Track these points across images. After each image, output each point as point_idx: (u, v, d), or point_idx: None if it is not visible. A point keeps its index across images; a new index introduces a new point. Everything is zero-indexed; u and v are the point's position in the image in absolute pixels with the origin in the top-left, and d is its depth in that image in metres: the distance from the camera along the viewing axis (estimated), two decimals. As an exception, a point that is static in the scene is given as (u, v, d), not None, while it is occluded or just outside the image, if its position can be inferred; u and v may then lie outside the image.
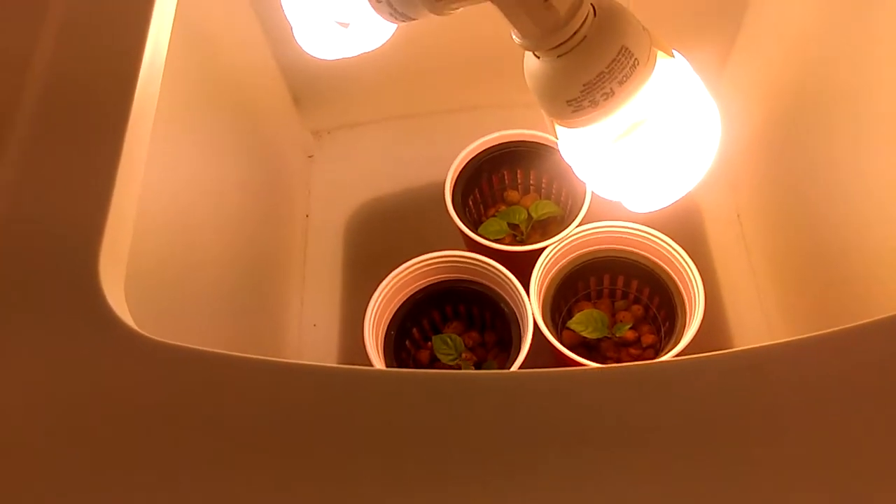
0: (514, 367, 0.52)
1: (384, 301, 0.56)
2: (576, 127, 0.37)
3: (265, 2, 0.66)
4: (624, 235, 0.58)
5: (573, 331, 0.58)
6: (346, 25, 0.40)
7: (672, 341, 0.56)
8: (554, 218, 0.63)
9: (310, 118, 0.78)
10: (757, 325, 0.66)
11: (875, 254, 0.50)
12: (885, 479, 0.26)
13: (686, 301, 0.56)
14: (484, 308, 0.59)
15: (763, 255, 0.68)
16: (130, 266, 0.43)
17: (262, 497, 0.27)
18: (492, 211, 0.65)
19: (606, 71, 0.35)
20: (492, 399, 0.26)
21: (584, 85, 0.35)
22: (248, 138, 0.69)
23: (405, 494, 0.26)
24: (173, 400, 0.28)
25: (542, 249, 0.57)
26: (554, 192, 0.64)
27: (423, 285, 0.58)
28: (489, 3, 0.34)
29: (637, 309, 0.61)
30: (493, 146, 0.63)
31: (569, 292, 0.60)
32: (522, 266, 0.57)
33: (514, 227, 0.63)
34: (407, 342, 0.59)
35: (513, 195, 0.66)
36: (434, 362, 0.59)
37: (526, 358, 0.53)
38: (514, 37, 0.36)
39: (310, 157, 0.78)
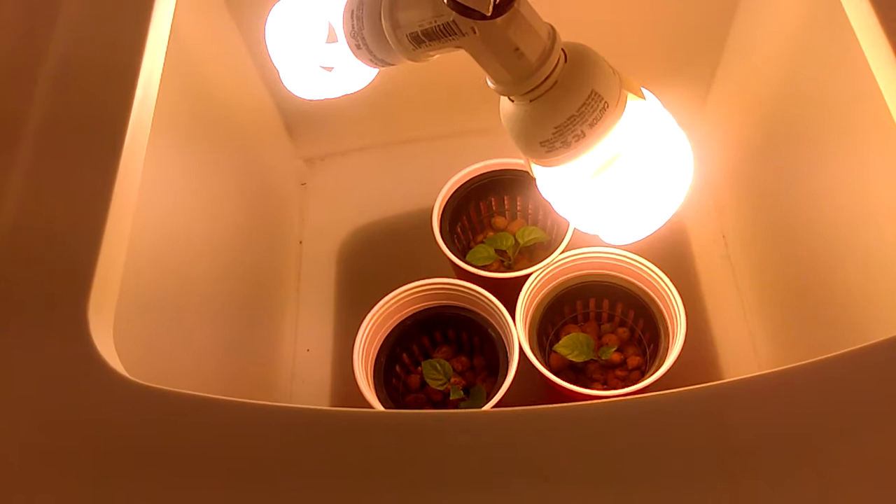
0: (501, 392, 0.53)
1: (374, 328, 0.58)
2: (550, 166, 0.39)
3: (257, 35, 0.68)
4: (607, 260, 0.59)
5: (560, 354, 0.59)
6: (329, 69, 0.42)
7: (657, 363, 0.57)
8: (541, 244, 0.64)
9: (303, 146, 0.79)
10: (742, 345, 0.68)
11: (859, 272, 0.52)
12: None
13: (669, 323, 0.58)
14: (472, 333, 0.60)
15: (748, 274, 0.70)
16: (124, 294, 0.44)
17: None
18: (480, 237, 0.67)
19: (577, 114, 0.36)
20: (460, 437, 0.27)
21: (555, 128, 0.36)
22: (242, 167, 0.70)
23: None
24: (158, 443, 0.29)
25: (528, 276, 0.58)
26: (540, 218, 0.66)
27: (412, 312, 0.59)
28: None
29: (623, 331, 0.62)
30: (479, 175, 0.64)
31: (556, 316, 0.62)
32: (509, 291, 0.58)
33: (501, 253, 0.64)
34: (397, 367, 0.60)
35: (500, 221, 0.67)
36: (424, 387, 0.60)
37: (513, 382, 0.54)
38: (488, 82, 0.37)
39: (303, 184, 0.80)
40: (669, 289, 0.57)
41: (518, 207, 0.67)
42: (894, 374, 0.30)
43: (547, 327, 0.61)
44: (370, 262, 0.75)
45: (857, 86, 0.48)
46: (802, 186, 0.59)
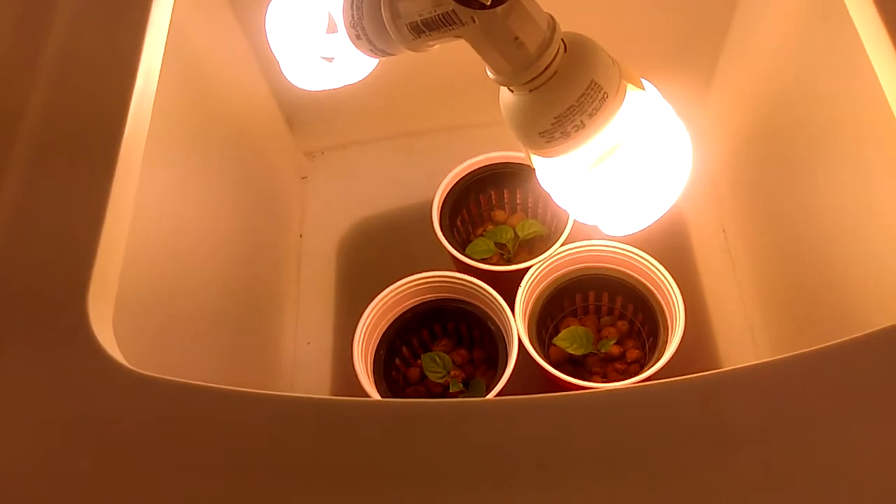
0: (500, 385, 0.53)
1: (373, 321, 0.58)
2: (550, 157, 0.39)
3: (257, 28, 0.68)
4: (607, 254, 0.59)
5: (560, 347, 0.59)
6: (330, 60, 0.42)
7: (656, 356, 0.57)
8: (540, 237, 0.64)
9: (303, 140, 0.79)
10: (742, 338, 0.68)
11: (858, 264, 0.52)
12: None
13: (668, 316, 0.58)
14: (472, 326, 0.60)
15: (748, 267, 0.70)
16: (124, 287, 0.44)
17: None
18: (480, 230, 0.67)
19: (576, 104, 0.36)
20: (456, 426, 0.27)
21: (554, 118, 0.36)
22: (242, 161, 0.70)
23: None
24: (163, 433, 0.29)
25: (528, 269, 0.58)
26: (540, 211, 0.66)
27: (411, 305, 0.59)
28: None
29: (622, 324, 0.62)
30: (478, 168, 0.64)
31: (555, 309, 0.62)
32: (509, 284, 0.58)
33: (501, 246, 0.64)
34: (397, 360, 0.60)
35: (500, 215, 0.67)
36: (423, 380, 0.60)
37: (512, 374, 0.54)
38: (488, 72, 0.37)
39: (303, 178, 0.80)
40: (668, 282, 0.57)
41: (518, 201, 0.67)
42: (892, 363, 0.30)
43: (546, 320, 0.61)
44: (371, 255, 0.75)
45: (859, 77, 0.48)
46: (803, 179, 0.59)
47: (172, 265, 0.56)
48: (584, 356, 0.60)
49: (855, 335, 0.32)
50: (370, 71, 0.43)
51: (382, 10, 0.36)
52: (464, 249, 0.63)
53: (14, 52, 0.43)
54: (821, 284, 0.57)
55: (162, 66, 0.47)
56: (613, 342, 0.60)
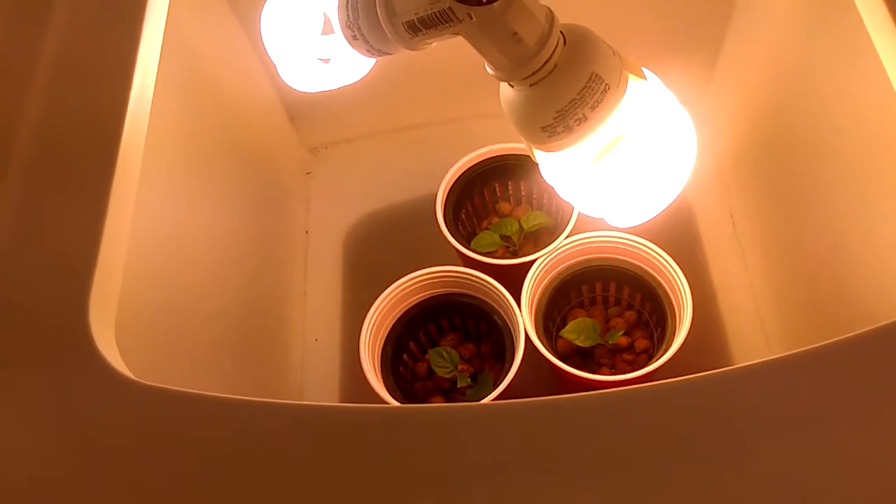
0: (508, 379, 0.53)
1: (379, 317, 0.58)
2: (553, 151, 0.39)
3: (257, 24, 0.68)
4: (612, 244, 0.59)
5: (567, 339, 0.59)
6: (326, 61, 0.42)
7: (664, 346, 0.57)
8: (546, 228, 0.64)
9: (307, 135, 0.79)
10: (752, 326, 0.67)
11: (869, 251, 0.51)
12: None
13: (676, 306, 0.57)
14: (479, 321, 0.60)
15: (757, 254, 0.69)
16: (131, 289, 0.44)
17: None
18: (485, 223, 0.66)
19: (578, 98, 0.36)
20: (460, 431, 0.27)
21: (556, 112, 0.36)
22: (245, 158, 0.70)
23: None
24: (166, 445, 0.29)
25: (534, 261, 0.58)
26: (545, 202, 0.65)
27: (417, 301, 0.59)
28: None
29: (630, 315, 0.62)
30: (482, 160, 0.64)
31: (562, 301, 0.62)
32: (515, 277, 0.58)
33: (506, 238, 0.64)
34: (405, 356, 0.60)
35: (505, 207, 0.67)
36: (431, 375, 0.60)
37: (521, 368, 0.54)
38: (487, 68, 0.37)
39: (308, 173, 0.80)
40: (675, 271, 0.57)
41: (522, 192, 0.67)
42: None
43: (553, 313, 0.61)
44: (377, 250, 0.74)
45: (864, 59, 0.47)
46: (811, 163, 0.59)
47: (177, 267, 0.56)
48: (593, 347, 0.60)
49: (869, 327, 0.31)
50: (368, 71, 0.43)
51: (378, 9, 0.35)
52: (469, 242, 0.62)
53: (8, 54, 0.43)
54: (832, 270, 0.57)
55: (160, 65, 0.47)
56: (621, 333, 0.60)
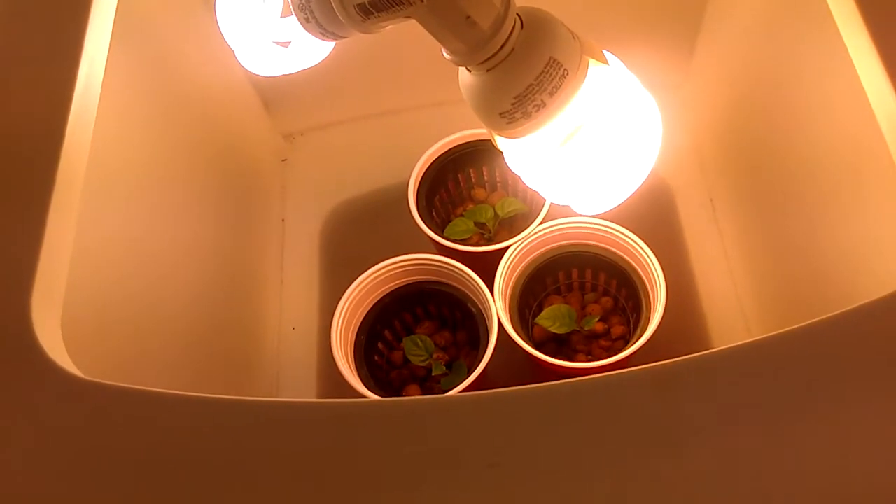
0: (481, 367, 0.53)
1: (352, 306, 0.57)
2: (514, 137, 0.38)
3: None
4: (587, 230, 0.58)
5: (542, 326, 0.58)
6: (285, 45, 0.41)
7: (639, 331, 0.56)
8: (521, 215, 0.63)
9: (281, 122, 0.78)
10: (730, 308, 0.67)
11: (848, 232, 0.51)
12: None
13: (651, 292, 0.57)
14: (454, 308, 0.60)
15: (736, 237, 0.69)
16: (94, 283, 0.43)
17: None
18: (459, 210, 0.66)
19: (535, 83, 0.35)
20: (405, 425, 0.27)
21: (514, 98, 0.35)
22: (220, 146, 0.69)
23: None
24: (112, 441, 0.28)
25: (507, 248, 0.57)
26: (521, 188, 0.65)
27: (390, 289, 0.59)
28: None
29: (606, 301, 0.61)
30: (456, 146, 0.63)
31: (538, 287, 0.61)
32: (489, 264, 0.57)
33: (481, 225, 0.63)
34: (380, 344, 0.60)
35: (480, 193, 0.66)
36: (407, 363, 0.60)
37: (494, 356, 0.53)
38: (443, 53, 0.36)
39: (283, 160, 0.79)
40: (649, 256, 0.56)
41: (497, 178, 0.66)
42: (886, 334, 0.29)
43: (529, 299, 0.60)
44: (354, 237, 0.74)
45: (836, 49, 0.46)
46: (788, 149, 0.58)
47: (151, 255, 0.55)
48: (569, 334, 0.60)
49: (847, 307, 0.31)
50: (327, 54, 0.42)
51: (329, -9, 0.34)
52: (443, 229, 0.62)
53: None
54: (810, 253, 0.56)
55: (122, 54, 0.46)
56: (597, 319, 0.60)
